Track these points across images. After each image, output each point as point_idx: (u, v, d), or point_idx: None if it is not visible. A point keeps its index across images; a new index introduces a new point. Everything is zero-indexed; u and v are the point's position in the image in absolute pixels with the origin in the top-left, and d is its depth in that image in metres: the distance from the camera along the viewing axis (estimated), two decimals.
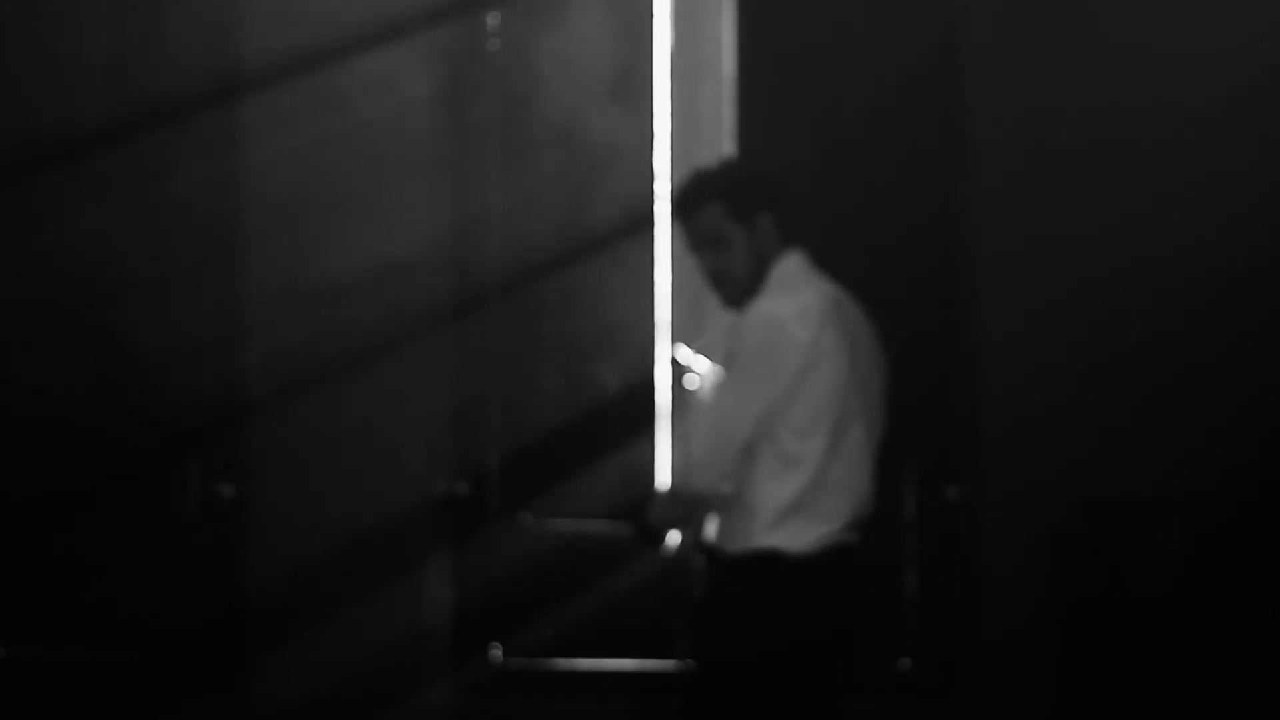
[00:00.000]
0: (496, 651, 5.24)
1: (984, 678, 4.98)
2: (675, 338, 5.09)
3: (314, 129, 5.14)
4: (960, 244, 5.06)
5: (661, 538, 4.09)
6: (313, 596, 5.13)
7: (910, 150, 5.11)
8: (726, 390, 4.02)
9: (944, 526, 5.05)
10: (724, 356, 4.10)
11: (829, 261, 4.04)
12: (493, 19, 5.22)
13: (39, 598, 5.28)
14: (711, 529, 4.07)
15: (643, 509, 4.07)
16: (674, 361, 4.39)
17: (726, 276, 4.07)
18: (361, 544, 5.13)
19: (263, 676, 5.17)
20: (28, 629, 5.29)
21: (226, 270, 5.19)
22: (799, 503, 3.98)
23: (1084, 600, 4.90)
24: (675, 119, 5.15)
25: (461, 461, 5.22)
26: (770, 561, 3.97)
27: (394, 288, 5.14)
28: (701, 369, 4.22)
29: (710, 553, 4.08)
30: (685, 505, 4.09)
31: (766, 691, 3.93)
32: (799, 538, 3.96)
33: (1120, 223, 4.95)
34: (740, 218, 4.05)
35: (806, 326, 3.94)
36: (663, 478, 5.06)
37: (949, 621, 5.08)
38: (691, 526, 4.20)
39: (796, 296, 4.01)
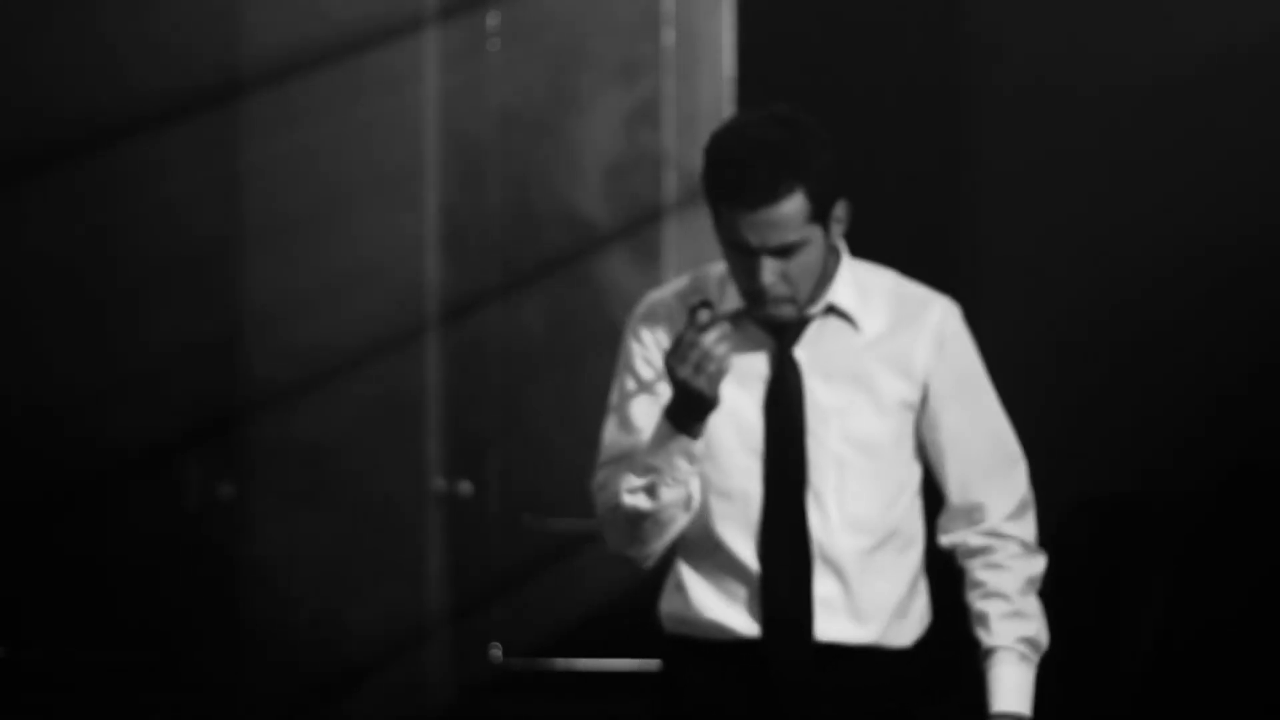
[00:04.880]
0: (496, 651, 5.24)
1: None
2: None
3: (314, 129, 5.14)
4: (961, 244, 5.07)
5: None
6: (312, 596, 5.14)
7: (912, 148, 5.12)
8: (991, 412, 3.22)
9: None
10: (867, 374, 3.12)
11: None
12: (492, 19, 5.22)
13: (39, 598, 5.28)
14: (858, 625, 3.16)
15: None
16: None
17: (787, 295, 3.05)
18: (360, 544, 5.14)
19: (262, 676, 5.17)
20: (28, 629, 5.29)
21: (226, 270, 5.19)
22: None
23: (1084, 599, 4.90)
24: (675, 119, 5.16)
25: (461, 461, 5.22)
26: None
27: (395, 286, 5.15)
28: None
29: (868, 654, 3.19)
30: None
31: None
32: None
33: (1120, 222, 4.95)
34: (820, 211, 3.05)
35: None
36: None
37: (949, 621, 5.08)
38: None
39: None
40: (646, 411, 3.12)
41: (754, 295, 3.04)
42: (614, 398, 3.21)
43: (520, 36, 5.20)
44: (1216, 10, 4.95)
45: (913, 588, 3.24)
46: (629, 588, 5.40)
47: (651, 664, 5.23)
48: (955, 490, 3.22)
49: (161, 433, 5.23)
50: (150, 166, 5.22)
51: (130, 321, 5.24)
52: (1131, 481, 4.93)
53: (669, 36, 5.17)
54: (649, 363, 3.17)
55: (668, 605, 3.20)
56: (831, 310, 3.12)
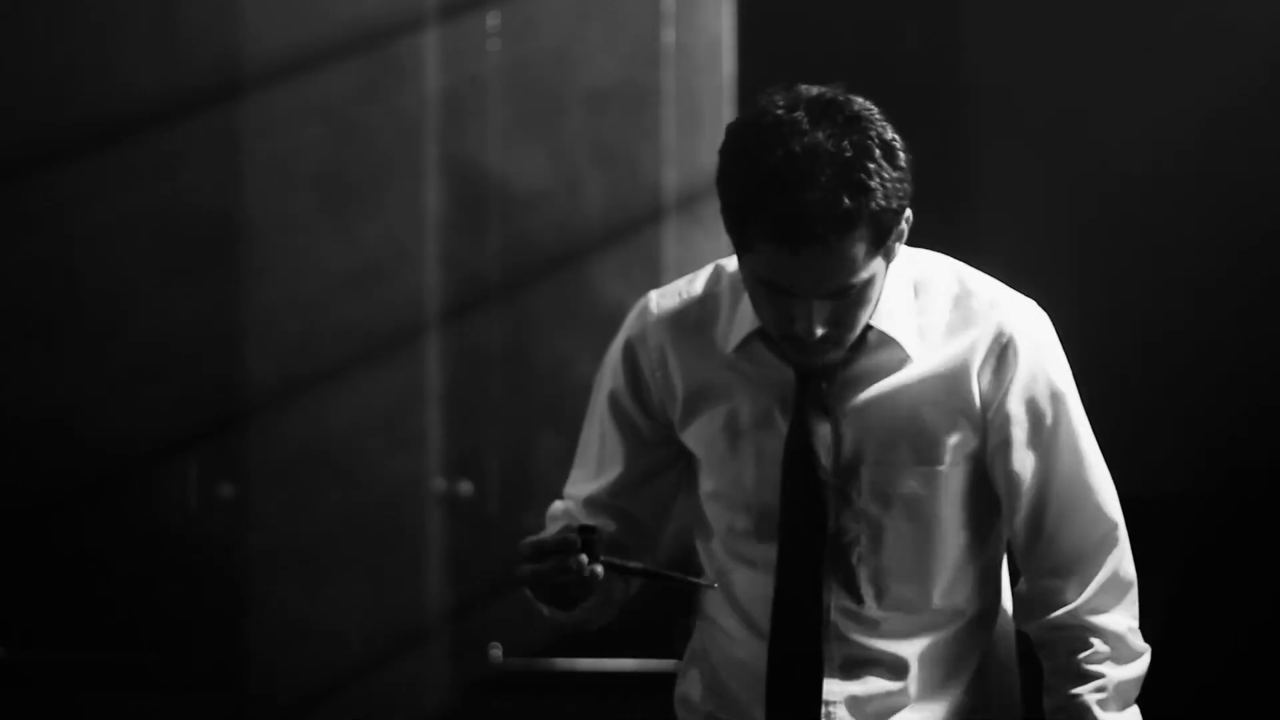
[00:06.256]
0: (496, 651, 5.24)
1: None
2: None
3: (314, 129, 5.13)
4: (962, 243, 5.06)
5: None
6: (311, 596, 5.13)
7: (913, 147, 5.11)
8: (1077, 462, 2.54)
9: None
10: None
11: None
12: (492, 19, 5.22)
13: (38, 598, 5.27)
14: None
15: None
16: None
17: (835, 340, 2.38)
18: (360, 543, 5.13)
19: (262, 676, 5.17)
20: (27, 629, 5.29)
21: (226, 270, 5.19)
22: None
23: None
24: (675, 117, 5.15)
25: (461, 461, 5.21)
26: None
27: (394, 285, 5.14)
28: None
29: None
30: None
31: None
32: None
33: (1123, 223, 4.94)
34: (883, 240, 2.40)
35: None
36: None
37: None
38: None
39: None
40: (621, 454, 2.56)
41: (791, 341, 2.36)
42: (586, 425, 2.66)
43: (520, 36, 5.20)
44: (1219, 10, 4.94)
45: (979, 673, 2.52)
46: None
47: (651, 664, 5.24)
48: (1026, 565, 2.48)
49: (161, 433, 5.22)
50: (150, 166, 5.21)
51: (130, 321, 5.23)
52: (1135, 483, 4.93)
53: (669, 36, 5.16)
54: (623, 398, 2.55)
55: (678, 686, 2.77)
56: (871, 331, 2.44)
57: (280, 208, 5.15)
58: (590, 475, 2.63)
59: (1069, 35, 4.99)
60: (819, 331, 2.33)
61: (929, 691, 2.47)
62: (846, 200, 2.30)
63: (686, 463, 2.59)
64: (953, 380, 2.43)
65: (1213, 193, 4.92)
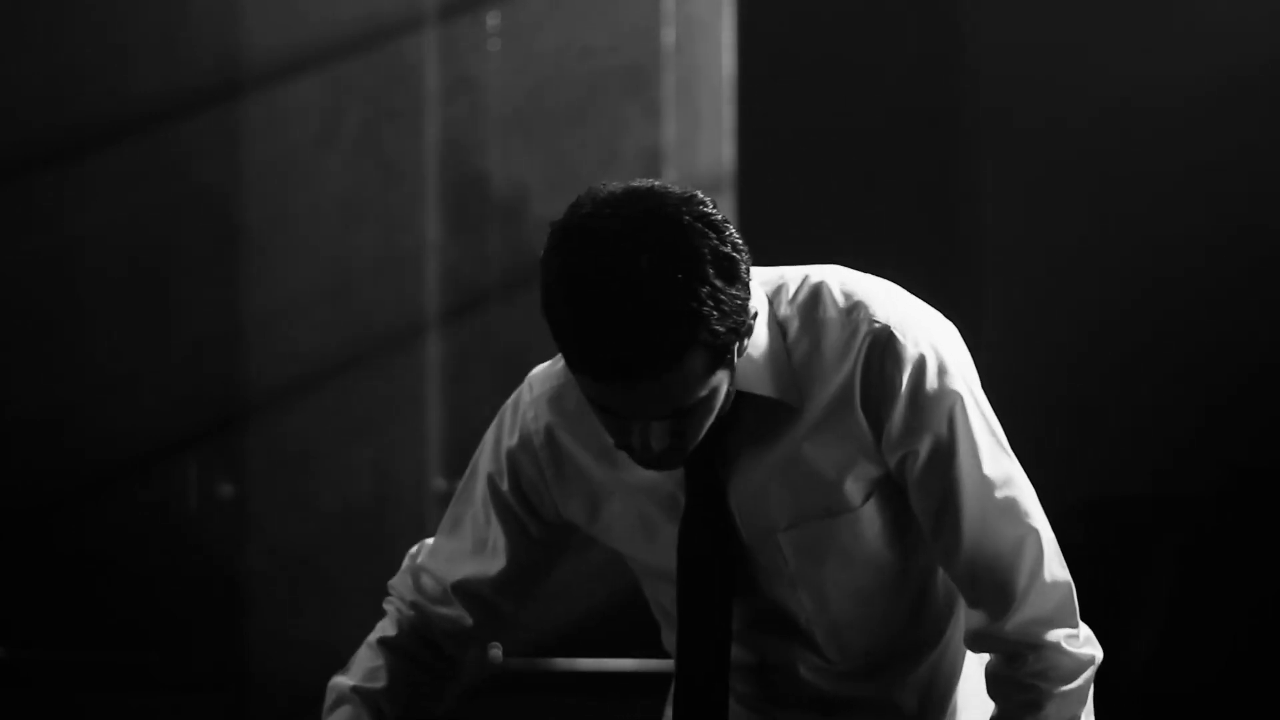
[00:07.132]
0: (496, 651, 5.23)
1: None
2: None
3: (313, 129, 5.13)
4: (962, 244, 5.06)
5: None
6: (312, 597, 5.13)
7: (914, 149, 5.11)
8: (982, 458, 2.24)
9: None
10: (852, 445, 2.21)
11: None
12: (492, 19, 5.22)
13: (38, 598, 5.27)
14: None
15: None
16: None
17: (679, 449, 2.16)
18: (361, 543, 5.13)
19: (263, 676, 5.17)
20: (27, 629, 5.29)
21: (226, 270, 5.19)
22: None
23: (1088, 602, 4.89)
24: (676, 118, 5.15)
25: (460, 461, 5.21)
26: None
27: (394, 285, 5.14)
28: None
29: None
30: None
31: None
32: None
33: (1120, 221, 4.94)
34: (727, 351, 2.11)
35: None
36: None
37: None
38: None
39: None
40: (504, 547, 2.46)
41: (631, 454, 2.19)
42: (463, 492, 2.59)
43: (520, 36, 5.20)
44: (1222, 18, 4.94)
45: (958, 667, 2.40)
46: (629, 588, 5.39)
47: (651, 664, 5.24)
48: (954, 582, 2.30)
49: (161, 433, 5.22)
50: (150, 166, 5.21)
51: (130, 321, 5.23)
52: (1135, 483, 4.92)
53: (669, 36, 5.16)
54: (509, 498, 2.47)
55: None
56: (744, 396, 2.21)
57: (280, 208, 5.15)
58: (465, 553, 2.51)
59: (1069, 34, 4.99)
60: (659, 448, 2.14)
61: (932, 716, 2.38)
62: (672, 336, 2.05)
63: (566, 547, 2.49)
64: (840, 413, 2.20)
65: (1217, 193, 4.92)
